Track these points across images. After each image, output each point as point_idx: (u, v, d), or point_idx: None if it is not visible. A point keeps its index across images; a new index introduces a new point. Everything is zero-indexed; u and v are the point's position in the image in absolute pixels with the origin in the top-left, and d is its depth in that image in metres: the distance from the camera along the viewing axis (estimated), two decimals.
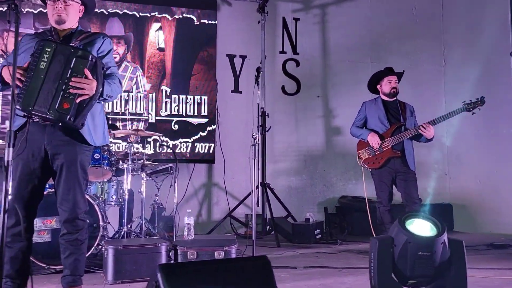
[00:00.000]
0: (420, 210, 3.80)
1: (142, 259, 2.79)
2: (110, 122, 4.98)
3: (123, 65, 5.16)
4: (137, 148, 5.08)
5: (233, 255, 3.02)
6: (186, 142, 5.32)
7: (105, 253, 2.81)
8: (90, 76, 2.19)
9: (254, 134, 3.33)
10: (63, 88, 2.16)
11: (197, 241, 3.08)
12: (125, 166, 3.70)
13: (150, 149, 5.14)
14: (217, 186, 5.83)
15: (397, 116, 4.08)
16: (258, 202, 5.56)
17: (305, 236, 4.82)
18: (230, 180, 5.88)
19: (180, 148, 5.30)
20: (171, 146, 5.11)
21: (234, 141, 5.97)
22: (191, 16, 5.43)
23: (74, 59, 2.18)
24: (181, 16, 5.38)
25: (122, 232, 3.60)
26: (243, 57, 6.05)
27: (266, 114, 5.48)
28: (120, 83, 2.45)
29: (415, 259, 1.69)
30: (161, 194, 4.77)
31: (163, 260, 2.90)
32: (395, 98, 4.16)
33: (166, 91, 5.28)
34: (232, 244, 3.05)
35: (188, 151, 5.34)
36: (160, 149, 5.02)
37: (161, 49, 5.31)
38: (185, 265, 1.63)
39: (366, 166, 4.09)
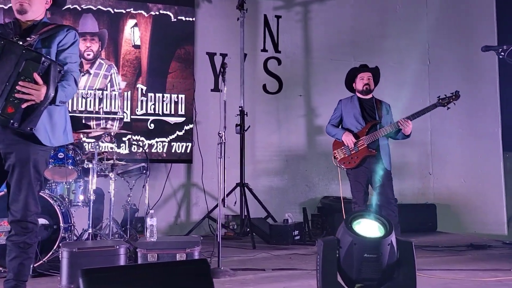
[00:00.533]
0: (392, 210, 3.70)
1: (99, 262, 2.67)
2: (83, 121, 4.86)
3: (97, 63, 5.04)
4: (112, 148, 4.96)
5: (196, 257, 2.90)
6: (162, 141, 5.20)
7: (60, 256, 2.70)
8: (39, 81, 2.07)
9: (220, 132, 3.22)
10: (9, 91, 2.04)
11: (159, 243, 2.97)
12: (90, 165, 3.57)
13: (125, 149, 5.02)
14: (196, 186, 5.72)
15: (372, 114, 3.98)
16: (235, 202, 5.48)
17: (282, 237, 4.71)
18: (209, 180, 5.77)
19: (156, 148, 5.19)
20: (142, 145, 4.98)
21: (214, 141, 5.77)
22: (168, 13, 5.31)
23: (24, 61, 2.05)
24: (157, 13, 5.26)
25: (86, 234, 3.47)
26: (224, 55, 5.94)
27: (245, 113, 5.38)
28: (76, 82, 2.30)
29: (361, 262, 1.58)
30: (135, 195, 4.66)
31: (122, 263, 2.78)
32: (371, 96, 4.06)
33: (142, 89, 5.16)
34: (195, 246, 2.93)
35: (165, 150, 5.22)
36: (136, 148, 4.89)
37: (136, 46, 5.19)
38: (111, 270, 1.52)
39: (342, 166, 3.99)
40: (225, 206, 4.80)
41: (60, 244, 2.86)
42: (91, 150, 4.48)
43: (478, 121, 6.68)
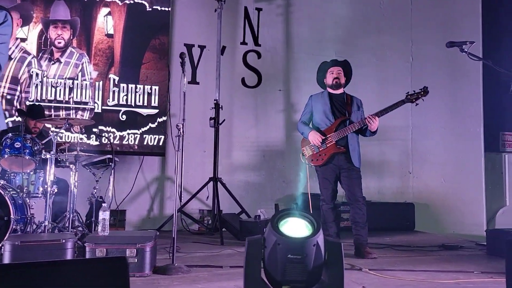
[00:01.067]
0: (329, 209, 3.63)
1: (43, 256, 2.57)
2: (53, 111, 4.74)
3: (68, 51, 4.91)
4: (81, 139, 4.84)
5: (147, 253, 2.81)
6: (134, 133, 5.09)
7: (2, 249, 2.59)
8: None
9: (178, 124, 3.12)
10: None
11: (108, 238, 2.87)
12: (48, 156, 3.46)
13: (95, 140, 4.91)
14: (171, 180, 5.62)
15: (342, 110, 3.89)
16: (208, 197, 5.38)
17: (252, 234, 4.52)
18: (184, 174, 5.65)
19: (128, 140, 5.07)
20: (107, 136, 4.85)
21: (189, 134, 5.63)
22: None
23: None
24: (132, 2, 5.13)
25: (43, 227, 3.37)
26: (202, 47, 5.83)
27: (220, 106, 5.28)
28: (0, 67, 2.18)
29: (285, 263, 1.49)
30: (105, 188, 4.55)
31: (68, 257, 2.68)
32: (341, 91, 3.96)
33: (114, 80, 5.04)
34: (147, 241, 2.84)
35: (136, 143, 5.11)
36: (106, 140, 4.78)
37: (109, 36, 5.06)
38: (11, 267, 1.42)
39: (310, 163, 3.91)
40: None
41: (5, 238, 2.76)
42: (59, 140, 4.39)
43: (460, 120, 6.59)
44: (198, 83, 5.81)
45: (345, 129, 3.77)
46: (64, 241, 2.69)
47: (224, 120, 5.27)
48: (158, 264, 3.08)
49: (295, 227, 1.55)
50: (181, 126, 3.08)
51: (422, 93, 3.79)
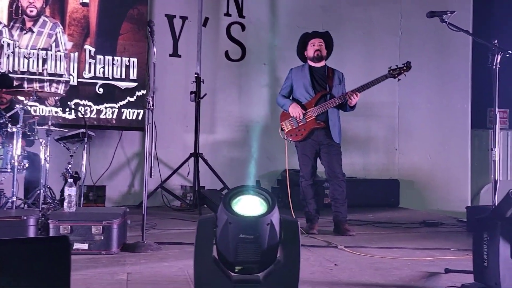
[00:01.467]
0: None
1: (4, 234, 2.47)
2: (26, 83, 4.57)
3: (40, 20, 4.69)
4: (56, 112, 4.70)
5: (115, 231, 2.71)
6: (112, 107, 4.93)
7: None
8: None
9: (148, 97, 2.98)
10: None
11: (74, 214, 2.76)
12: (14, 129, 3.32)
13: (71, 114, 4.75)
14: (152, 155, 5.48)
15: (323, 84, 3.76)
16: (188, 172, 5.30)
17: None
18: (166, 149, 5.56)
19: (105, 114, 4.92)
20: (83, 110, 4.69)
21: (171, 109, 5.61)
22: None
23: None
24: None
25: (9, 203, 3.25)
26: (184, 18, 5.61)
27: (201, 80, 5.12)
28: None
29: (236, 243, 1.40)
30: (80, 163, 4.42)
31: (31, 234, 2.58)
32: (323, 64, 3.82)
33: (90, 51, 4.85)
34: (115, 218, 2.74)
35: (114, 117, 4.96)
36: (80, 114, 4.62)
37: (84, 4, 4.84)
38: None
39: (289, 138, 3.80)
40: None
41: None
42: (34, 114, 4.24)
43: (448, 96, 6.49)
44: (179, 56, 5.63)
45: (326, 104, 3.65)
46: (25, 217, 2.59)
47: (205, 94, 5.13)
48: (129, 242, 3.00)
49: (249, 205, 1.45)
50: (151, 99, 2.94)
51: (405, 68, 3.66)
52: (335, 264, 2.61)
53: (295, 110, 3.68)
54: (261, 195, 1.48)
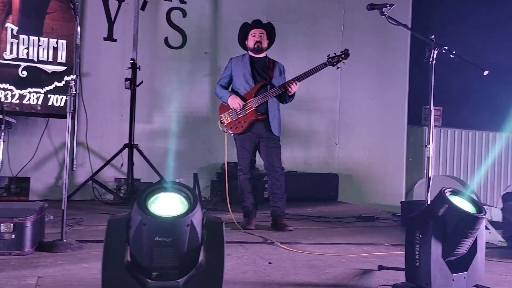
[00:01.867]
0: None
1: None
2: None
3: None
4: None
5: (28, 228, 2.44)
6: (37, 92, 4.53)
7: None
8: None
9: (70, 81, 2.71)
10: None
11: None
12: None
13: None
14: (82, 145, 5.15)
15: (263, 74, 3.65)
16: (122, 164, 5.03)
17: None
18: (99, 139, 5.24)
19: (29, 99, 4.51)
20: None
21: (105, 96, 5.31)
22: None
23: None
24: None
25: None
26: (120, 0, 5.29)
27: (138, 66, 4.84)
28: None
29: (152, 246, 1.24)
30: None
31: None
32: (264, 55, 3.72)
33: (12, 30, 4.41)
34: (28, 214, 2.46)
35: (39, 103, 4.57)
36: (3, 98, 4.20)
37: None
38: None
39: (229, 131, 3.66)
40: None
41: None
42: None
43: (387, 92, 6.64)
44: (115, 40, 5.31)
45: (266, 94, 3.54)
46: None
47: (141, 82, 4.86)
48: (48, 240, 2.72)
49: (166, 204, 1.29)
50: (73, 83, 2.68)
51: (343, 55, 3.64)
52: (269, 263, 2.51)
53: (234, 102, 3.55)
54: (182, 193, 1.32)
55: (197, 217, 1.28)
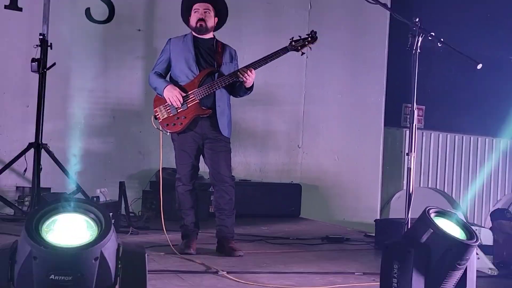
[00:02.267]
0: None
1: None
2: None
3: None
4: None
5: None
6: None
7: None
8: None
9: None
10: None
11: None
12: None
13: None
14: None
15: (210, 60, 3.60)
16: (26, 169, 4.82)
17: None
18: None
19: None
20: None
21: (5, 81, 5.14)
22: None
23: None
24: None
25: None
26: None
27: (49, 44, 4.63)
28: None
29: (46, 287, 1.12)
30: None
31: None
32: (211, 36, 3.67)
33: None
34: None
35: None
36: None
37: None
38: None
39: (165, 129, 3.60)
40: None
41: None
42: None
43: (360, 86, 6.73)
44: (20, 10, 5.14)
45: (213, 84, 3.48)
46: None
47: (54, 63, 4.65)
48: None
49: (67, 230, 1.17)
50: None
51: (309, 39, 3.64)
52: None
53: (171, 94, 3.47)
54: (89, 214, 1.20)
55: (109, 247, 1.16)
